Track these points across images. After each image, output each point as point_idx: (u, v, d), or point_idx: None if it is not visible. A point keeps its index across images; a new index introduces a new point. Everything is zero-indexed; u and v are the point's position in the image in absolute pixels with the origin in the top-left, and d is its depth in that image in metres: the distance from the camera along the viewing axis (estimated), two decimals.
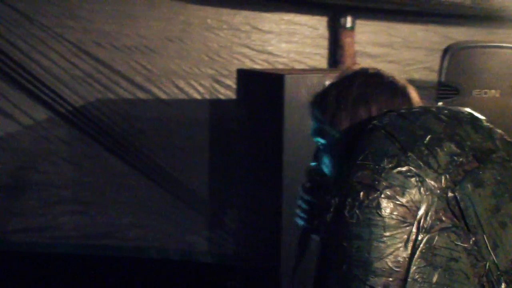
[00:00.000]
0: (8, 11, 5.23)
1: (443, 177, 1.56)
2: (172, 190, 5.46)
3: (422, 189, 1.53)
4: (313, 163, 2.02)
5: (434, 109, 1.73)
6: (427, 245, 1.50)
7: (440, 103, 4.38)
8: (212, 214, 5.57)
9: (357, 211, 1.53)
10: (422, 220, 1.51)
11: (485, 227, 1.55)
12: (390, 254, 1.49)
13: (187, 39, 5.41)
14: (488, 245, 1.54)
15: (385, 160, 1.57)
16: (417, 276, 1.48)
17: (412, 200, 1.52)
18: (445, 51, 4.46)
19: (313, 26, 5.51)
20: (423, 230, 1.51)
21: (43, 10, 5.27)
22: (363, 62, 5.42)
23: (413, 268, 1.49)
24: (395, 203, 1.52)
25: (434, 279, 1.48)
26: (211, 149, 5.50)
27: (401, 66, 5.51)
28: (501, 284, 1.53)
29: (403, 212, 1.51)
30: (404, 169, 1.55)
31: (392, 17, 5.52)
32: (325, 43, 5.53)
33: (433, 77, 5.04)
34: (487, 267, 1.53)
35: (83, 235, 5.54)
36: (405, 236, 1.50)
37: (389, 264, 1.49)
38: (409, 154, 1.57)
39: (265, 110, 4.21)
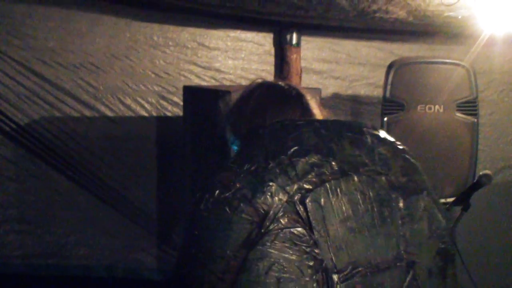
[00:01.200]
0: None
1: (296, 184, 1.76)
2: (119, 208, 5.42)
3: (272, 193, 1.74)
4: None
5: (317, 123, 1.97)
6: (266, 241, 1.69)
7: (385, 118, 4.44)
8: (160, 231, 5.54)
9: (210, 206, 1.76)
10: (266, 220, 1.71)
11: (331, 231, 1.76)
12: (231, 245, 1.71)
13: (133, 56, 5.39)
14: (329, 246, 1.75)
15: (247, 165, 1.80)
16: (251, 265, 1.68)
17: (260, 202, 1.73)
18: (390, 67, 4.52)
19: (259, 43, 5.54)
20: (265, 228, 1.70)
21: None
22: (309, 78, 5.47)
23: (249, 259, 1.69)
24: (244, 202, 1.73)
25: (266, 269, 1.68)
26: (158, 166, 5.48)
27: (347, 82, 5.56)
28: (334, 281, 1.74)
29: (250, 211, 1.72)
30: (260, 174, 1.77)
31: (337, 34, 5.58)
32: (271, 59, 5.56)
33: (378, 92, 5.11)
34: (323, 265, 1.73)
35: (29, 255, 5.46)
36: (247, 231, 1.71)
37: (228, 253, 1.70)
38: (270, 162, 1.79)
39: (212, 127, 4.21)
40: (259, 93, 2.21)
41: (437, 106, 4.41)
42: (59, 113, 5.30)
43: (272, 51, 5.56)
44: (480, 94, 4.62)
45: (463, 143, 4.42)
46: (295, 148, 1.82)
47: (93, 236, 5.46)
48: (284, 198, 1.74)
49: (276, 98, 2.19)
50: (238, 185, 1.76)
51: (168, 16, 5.39)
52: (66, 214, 5.43)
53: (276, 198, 1.74)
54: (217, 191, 1.76)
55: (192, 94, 4.63)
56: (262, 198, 1.73)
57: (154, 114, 5.40)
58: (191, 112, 4.58)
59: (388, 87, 4.49)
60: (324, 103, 4.93)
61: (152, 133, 5.44)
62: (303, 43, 5.52)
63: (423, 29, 5.26)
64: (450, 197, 4.22)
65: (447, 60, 4.52)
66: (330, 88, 5.50)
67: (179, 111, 5.28)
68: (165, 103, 5.40)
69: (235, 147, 2.18)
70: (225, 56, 5.49)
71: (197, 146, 4.51)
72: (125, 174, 5.42)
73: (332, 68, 5.58)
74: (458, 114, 4.41)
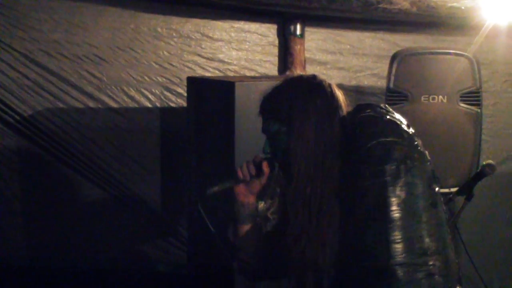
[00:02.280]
0: None
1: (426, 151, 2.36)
2: (124, 199, 5.43)
3: (428, 158, 2.33)
4: (266, 148, 2.54)
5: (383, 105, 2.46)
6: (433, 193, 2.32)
7: None
8: (165, 223, 5.56)
9: (412, 170, 2.26)
10: (432, 179, 2.32)
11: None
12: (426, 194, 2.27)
13: (137, 47, 5.40)
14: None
15: (400, 139, 2.29)
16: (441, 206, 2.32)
17: (430, 167, 2.32)
18: (393, 57, 4.52)
19: (263, 34, 5.55)
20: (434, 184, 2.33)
21: None
22: (313, 69, 5.47)
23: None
24: (423, 167, 2.29)
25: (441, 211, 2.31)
26: (162, 157, 5.49)
27: (350, 72, 5.56)
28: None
29: (427, 173, 2.30)
30: (416, 143, 2.33)
31: (340, 25, 5.57)
32: (275, 50, 5.57)
33: (381, 83, 5.11)
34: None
35: (33, 247, 5.48)
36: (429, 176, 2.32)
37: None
38: (412, 131, 2.36)
39: (217, 117, 4.22)
40: (305, 83, 2.49)
41: (440, 97, 4.41)
42: (63, 104, 5.31)
43: (276, 42, 5.56)
44: (484, 85, 4.61)
45: (467, 133, 4.42)
46: (407, 123, 2.38)
47: (97, 227, 5.47)
48: (430, 162, 2.34)
49: (320, 87, 2.47)
50: (416, 156, 2.28)
51: (172, 7, 5.40)
52: (70, 205, 5.45)
53: (429, 162, 2.33)
54: (408, 161, 2.25)
55: (197, 85, 4.64)
56: (428, 164, 2.32)
57: (158, 105, 5.41)
58: (195, 103, 4.59)
59: (392, 77, 4.49)
60: None
61: (156, 124, 5.45)
62: (307, 34, 5.52)
63: (427, 20, 5.25)
64: (453, 187, 4.23)
65: (451, 51, 4.52)
66: (334, 79, 5.49)
67: (183, 102, 5.29)
68: (169, 94, 5.41)
69: (275, 128, 2.47)
70: (229, 47, 5.50)
71: (201, 136, 4.52)
72: (129, 165, 5.43)
73: (336, 59, 5.58)
74: (462, 105, 4.40)
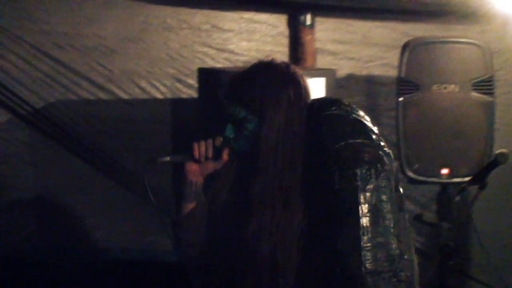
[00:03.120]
0: None
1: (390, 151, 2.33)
2: (136, 190, 5.44)
3: (393, 157, 2.30)
4: (228, 133, 2.50)
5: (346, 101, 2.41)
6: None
7: (401, 99, 4.43)
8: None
9: (381, 174, 2.20)
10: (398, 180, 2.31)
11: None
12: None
13: (147, 39, 5.40)
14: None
15: (373, 138, 2.28)
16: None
17: (395, 167, 2.30)
18: (404, 47, 4.51)
19: (273, 24, 5.53)
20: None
21: (1, 12, 5.22)
22: (324, 60, 5.45)
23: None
24: (390, 169, 2.23)
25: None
26: (173, 148, 5.49)
27: (361, 62, 5.54)
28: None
29: (394, 175, 2.26)
30: (383, 144, 2.30)
31: (351, 14, 5.55)
32: (285, 41, 5.55)
33: (393, 73, 5.08)
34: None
35: (45, 239, 5.49)
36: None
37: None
38: (377, 130, 2.32)
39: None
40: (277, 71, 2.42)
41: (452, 86, 4.40)
42: (74, 96, 5.32)
43: (286, 32, 5.54)
44: (496, 74, 4.59)
45: (479, 122, 4.41)
46: (371, 121, 2.35)
47: (109, 219, 5.48)
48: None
49: (293, 74, 2.42)
50: (384, 158, 2.23)
51: None
52: (82, 197, 5.46)
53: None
54: (380, 164, 2.20)
55: (207, 76, 4.64)
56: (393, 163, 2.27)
57: (169, 96, 5.40)
58: (206, 94, 4.58)
59: (403, 67, 4.48)
60: (340, 84, 4.93)
61: (168, 115, 5.44)
62: (317, 24, 5.50)
63: (438, 9, 5.23)
64: (466, 176, 4.22)
65: (462, 39, 4.51)
66: (345, 69, 5.48)
67: (194, 93, 5.28)
68: (180, 86, 5.40)
69: (243, 114, 2.39)
70: (239, 38, 5.48)
71: (211, 128, 4.52)
72: (140, 156, 5.41)
73: (347, 49, 5.55)
74: (474, 93, 4.39)
